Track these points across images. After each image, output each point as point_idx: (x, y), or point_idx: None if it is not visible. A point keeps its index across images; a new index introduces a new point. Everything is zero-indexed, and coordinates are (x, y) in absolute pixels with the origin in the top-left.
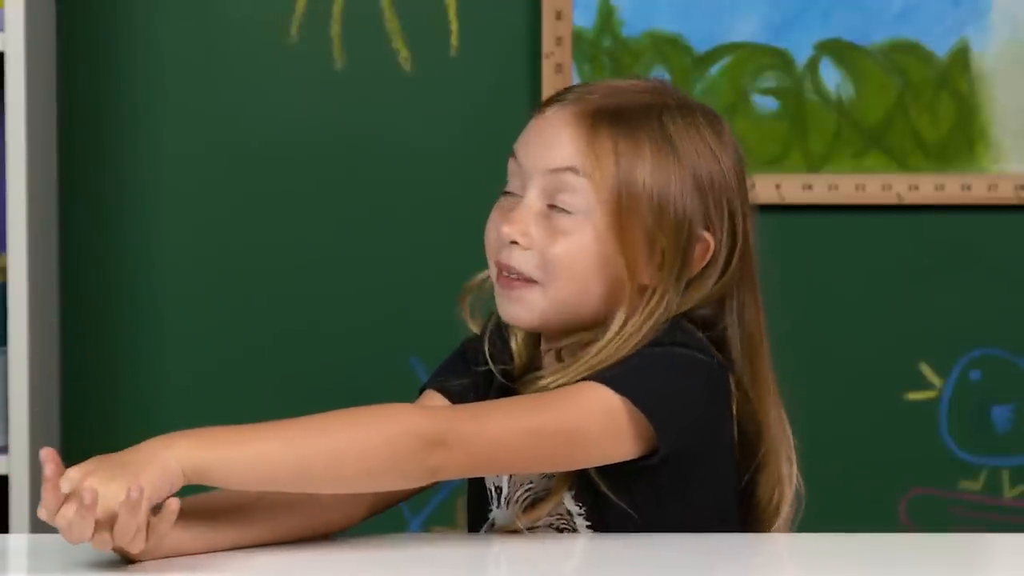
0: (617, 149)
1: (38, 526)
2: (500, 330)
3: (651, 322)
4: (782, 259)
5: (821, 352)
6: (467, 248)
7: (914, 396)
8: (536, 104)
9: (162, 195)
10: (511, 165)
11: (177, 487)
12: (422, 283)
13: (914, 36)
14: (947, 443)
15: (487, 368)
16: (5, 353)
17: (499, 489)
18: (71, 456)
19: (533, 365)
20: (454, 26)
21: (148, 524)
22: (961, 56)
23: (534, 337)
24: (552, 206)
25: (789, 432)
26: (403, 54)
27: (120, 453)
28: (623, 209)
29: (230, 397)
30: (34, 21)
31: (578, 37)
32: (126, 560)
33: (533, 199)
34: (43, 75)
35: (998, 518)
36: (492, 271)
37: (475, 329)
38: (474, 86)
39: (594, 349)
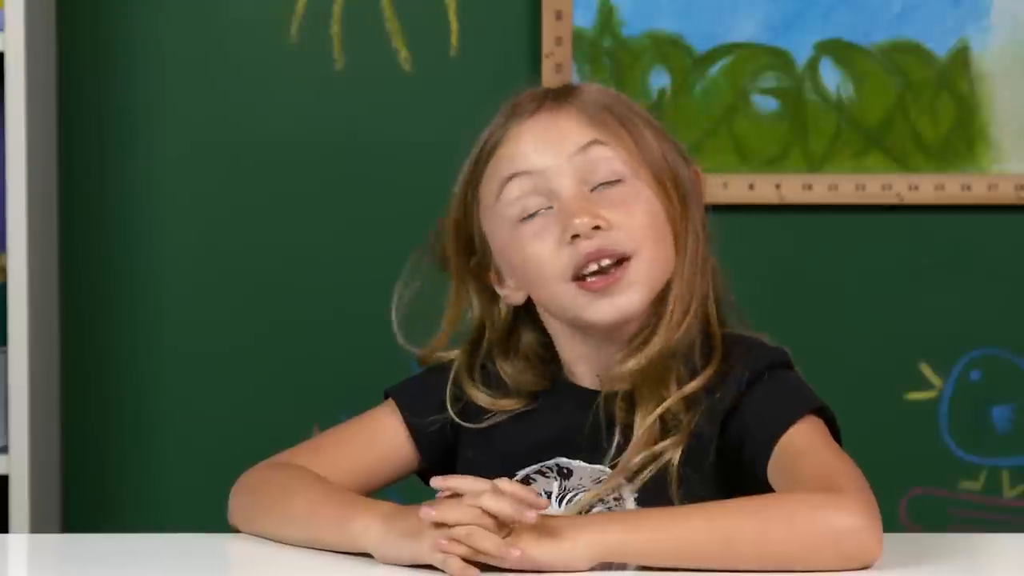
0: (621, 121)
1: (38, 526)
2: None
3: (707, 266)
4: (782, 259)
5: (821, 352)
6: None
7: (914, 396)
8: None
9: (162, 195)
10: (518, 186)
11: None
12: (422, 283)
13: (914, 36)
14: (947, 443)
15: (485, 395)
16: (5, 353)
17: (548, 493)
18: (71, 456)
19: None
20: (454, 26)
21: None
22: (961, 56)
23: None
24: (593, 189)
25: None
26: (403, 54)
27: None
28: (649, 166)
29: (230, 397)
30: (34, 21)
31: (578, 37)
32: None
33: (574, 188)
34: (43, 75)
35: (998, 518)
36: (563, 291)
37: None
38: (474, 86)
39: (670, 303)
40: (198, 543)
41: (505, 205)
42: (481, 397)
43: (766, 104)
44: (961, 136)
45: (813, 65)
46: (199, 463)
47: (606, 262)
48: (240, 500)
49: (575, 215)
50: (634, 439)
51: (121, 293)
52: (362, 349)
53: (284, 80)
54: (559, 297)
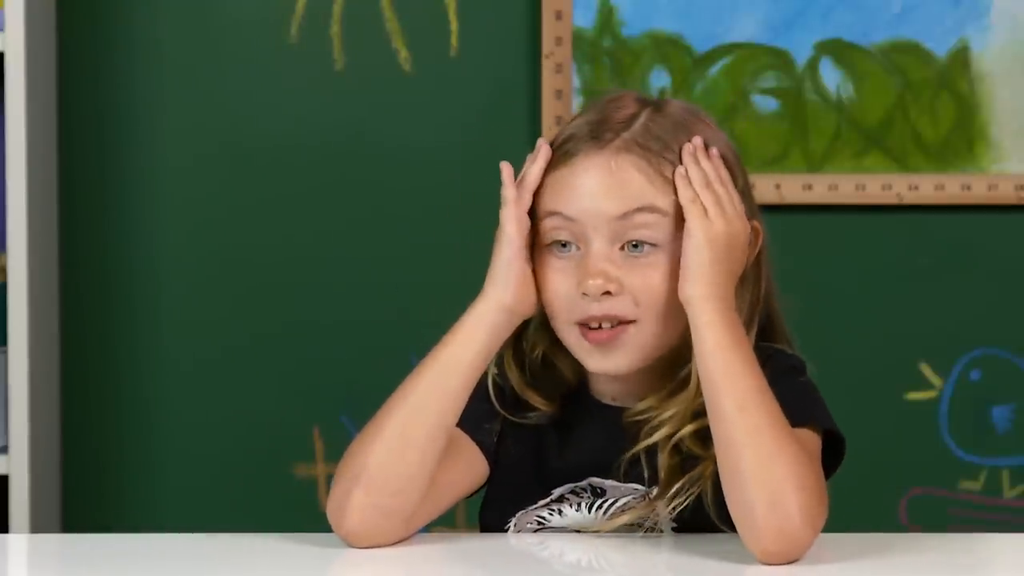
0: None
1: (38, 526)
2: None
3: (750, 325)
4: (782, 259)
5: (821, 352)
6: (467, 247)
7: (914, 396)
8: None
9: (162, 195)
10: (554, 221)
11: None
12: (422, 282)
13: (914, 36)
14: (947, 443)
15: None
16: (5, 353)
17: (580, 503)
18: (71, 456)
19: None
20: (454, 26)
21: None
22: (961, 56)
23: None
24: (623, 246)
25: None
26: (403, 54)
27: None
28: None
29: (230, 398)
30: (34, 21)
31: (578, 37)
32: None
33: (604, 248)
34: (43, 75)
35: (998, 518)
36: (568, 331)
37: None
38: (474, 86)
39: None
40: (198, 543)
41: (546, 229)
42: (522, 386)
43: (766, 104)
44: (961, 136)
45: (813, 65)
46: (199, 463)
47: (607, 324)
48: (343, 464)
49: (590, 275)
50: (660, 470)
51: (121, 293)
52: (362, 351)
53: (284, 80)
54: (566, 336)
